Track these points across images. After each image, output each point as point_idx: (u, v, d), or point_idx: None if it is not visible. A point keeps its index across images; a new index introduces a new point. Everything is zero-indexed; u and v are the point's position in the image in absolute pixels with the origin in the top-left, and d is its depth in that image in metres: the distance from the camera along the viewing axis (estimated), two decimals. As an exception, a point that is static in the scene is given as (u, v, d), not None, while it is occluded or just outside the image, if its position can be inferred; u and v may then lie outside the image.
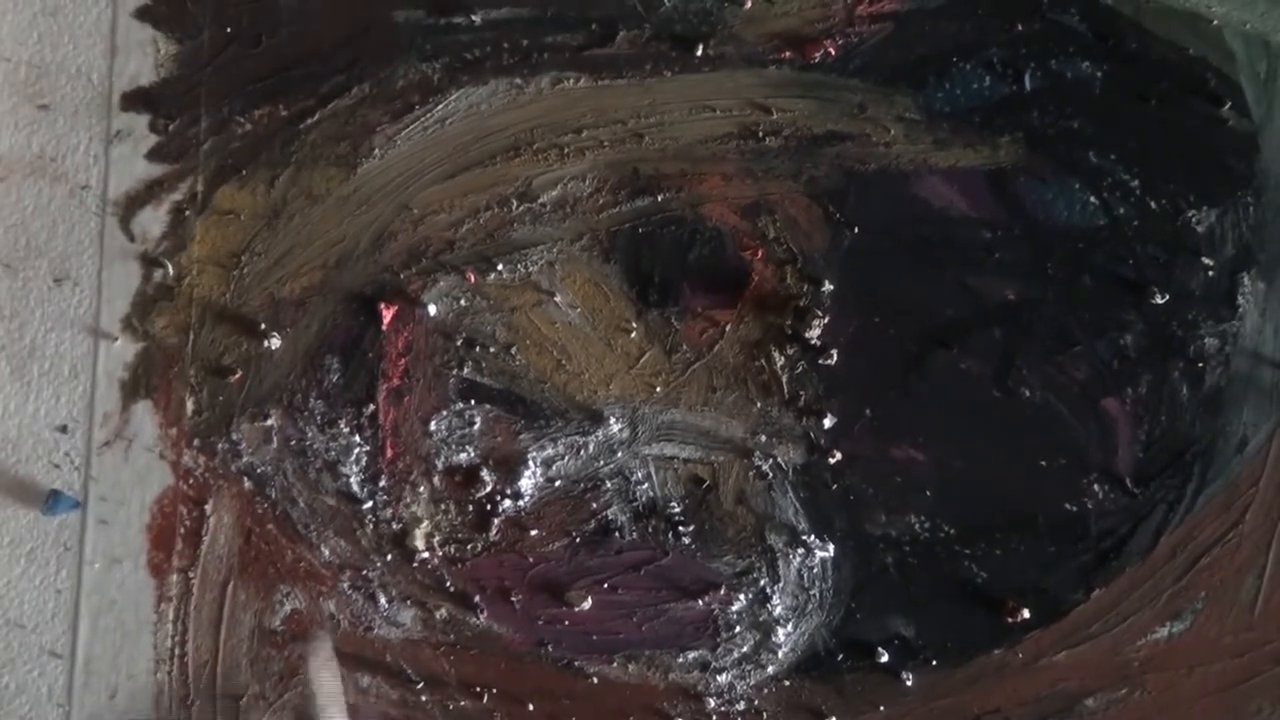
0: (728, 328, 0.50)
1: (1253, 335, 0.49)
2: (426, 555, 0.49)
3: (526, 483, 0.49)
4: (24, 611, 0.49)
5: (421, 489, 0.50)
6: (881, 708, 0.49)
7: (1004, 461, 0.49)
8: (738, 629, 0.49)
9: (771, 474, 0.49)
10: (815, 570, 0.49)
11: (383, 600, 0.49)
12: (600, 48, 0.49)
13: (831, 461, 0.49)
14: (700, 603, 0.49)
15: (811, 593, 0.49)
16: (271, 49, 0.47)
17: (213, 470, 0.49)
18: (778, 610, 0.49)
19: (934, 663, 0.49)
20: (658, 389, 0.50)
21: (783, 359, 0.50)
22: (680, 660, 0.49)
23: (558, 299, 0.49)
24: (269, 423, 0.49)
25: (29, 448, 0.48)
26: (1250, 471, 0.49)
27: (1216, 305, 0.49)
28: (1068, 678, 0.49)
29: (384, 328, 0.49)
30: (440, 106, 0.49)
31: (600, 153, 0.49)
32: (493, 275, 0.49)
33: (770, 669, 0.49)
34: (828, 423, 0.49)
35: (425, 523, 0.50)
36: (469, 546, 0.49)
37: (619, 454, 0.49)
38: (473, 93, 0.49)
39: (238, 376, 0.49)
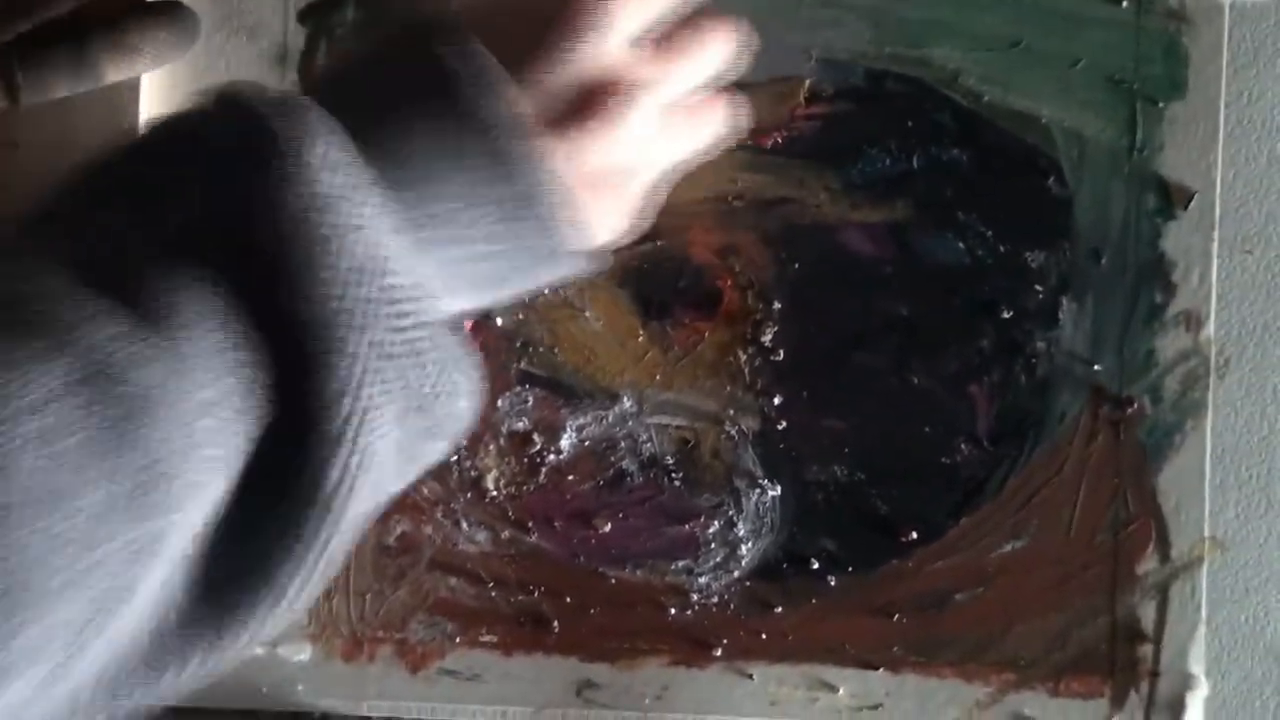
0: (706, 334, 0.62)
1: (1068, 340, 0.61)
2: (495, 494, 0.62)
3: (565, 443, 0.62)
4: None
5: (491, 447, 0.62)
6: (813, 600, 0.62)
7: (900, 429, 0.62)
8: (713, 545, 0.62)
9: (737, 437, 0.62)
10: (767, 504, 0.62)
11: (464, 525, 0.62)
12: None
13: (779, 428, 0.62)
14: (687, 527, 0.62)
15: (765, 520, 0.62)
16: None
17: None
18: (741, 532, 0.62)
19: (850, 569, 0.61)
20: (657, 377, 0.62)
21: (745, 356, 0.62)
22: (672, 567, 0.62)
23: (587, 313, 0.62)
24: None
25: None
26: (1066, 435, 0.61)
27: (1044, 319, 0.61)
28: (943, 580, 0.61)
29: (465, 334, 0.63)
30: None
31: None
32: (541, 297, 0.62)
33: (735, 573, 0.62)
34: (776, 401, 0.62)
35: (494, 470, 0.62)
36: (524, 487, 0.62)
37: (630, 423, 0.62)
38: None
39: None
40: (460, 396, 0.37)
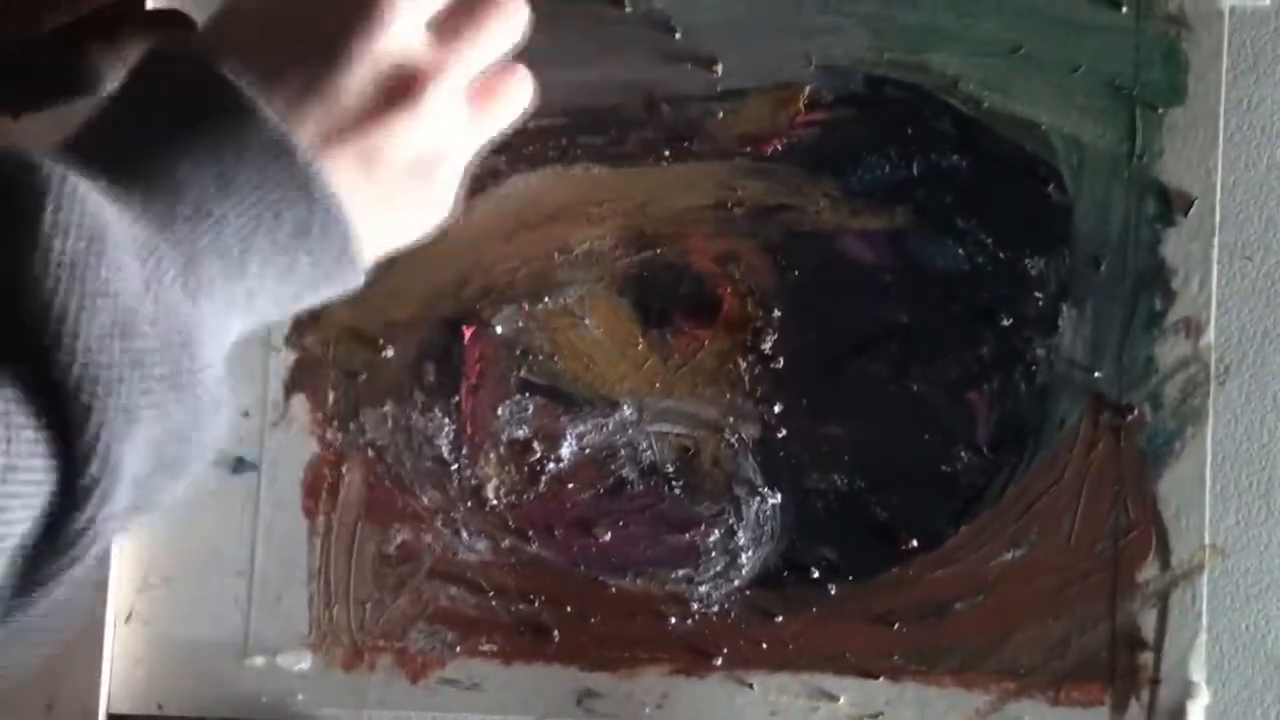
0: (706, 342, 0.62)
1: (1068, 347, 0.61)
2: (495, 502, 0.62)
3: (565, 451, 0.62)
4: (219, 542, 0.62)
5: (491, 455, 0.62)
6: (813, 609, 0.62)
7: (900, 436, 0.61)
8: (713, 553, 0.62)
9: (737, 445, 0.62)
10: (768, 512, 0.62)
11: (464, 534, 0.62)
12: (617, 145, 0.61)
13: (779, 436, 0.62)
14: (687, 535, 0.62)
15: (765, 528, 0.62)
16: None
17: (347, 443, 0.62)
18: (741, 541, 0.62)
19: (850, 577, 0.61)
20: (657, 385, 0.62)
21: (745, 364, 0.62)
22: (673, 576, 0.62)
23: (586, 321, 0.62)
24: (385, 409, 0.61)
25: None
26: (1066, 442, 0.61)
27: (1044, 326, 0.61)
28: (943, 588, 0.61)
29: (465, 343, 0.61)
30: (504, 186, 0.61)
31: (617, 219, 0.61)
32: (541, 305, 0.62)
33: (736, 582, 0.61)
34: (777, 409, 0.62)
35: (494, 479, 0.62)
36: (525, 496, 0.62)
37: (630, 431, 0.62)
38: (528, 176, 0.61)
39: (364, 377, 0.61)
40: (202, 455, 0.37)
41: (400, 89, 0.40)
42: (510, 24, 0.44)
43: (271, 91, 0.38)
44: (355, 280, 0.41)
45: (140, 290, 0.34)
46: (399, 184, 0.41)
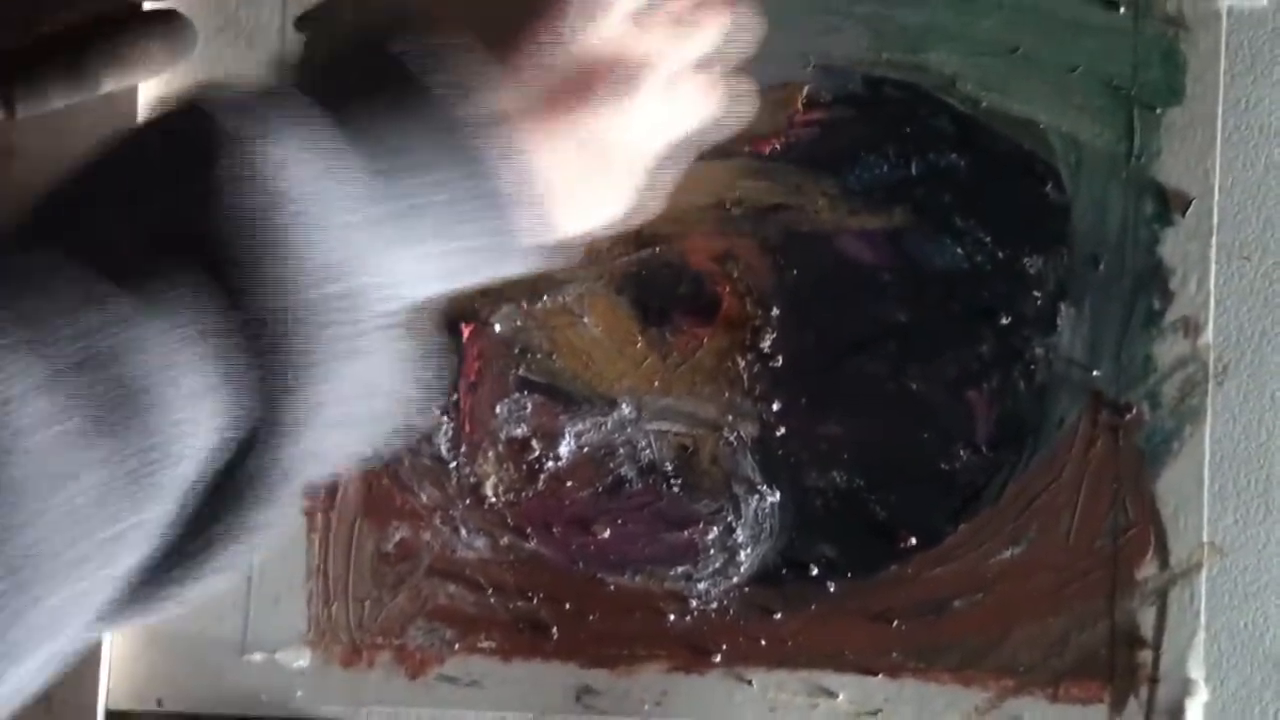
0: (705, 341, 0.62)
1: (1066, 346, 0.62)
2: (494, 500, 0.62)
3: (564, 449, 0.62)
4: None
5: (490, 453, 0.62)
6: (812, 606, 0.62)
7: (898, 434, 0.62)
8: (712, 551, 0.62)
9: (735, 443, 0.62)
10: (766, 510, 0.62)
11: (463, 531, 0.62)
12: None
13: (778, 434, 0.62)
14: (685, 533, 0.62)
15: (763, 526, 0.62)
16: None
17: None
18: (740, 538, 0.62)
19: (849, 575, 0.61)
20: (655, 383, 0.62)
21: (744, 362, 0.62)
22: (671, 573, 0.62)
23: (585, 320, 0.62)
24: None
25: None
26: (1065, 441, 0.62)
27: (1042, 325, 0.61)
28: (942, 586, 0.61)
29: (464, 341, 0.62)
30: None
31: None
32: (540, 304, 0.62)
33: (734, 579, 0.62)
34: (775, 407, 0.62)
35: (493, 477, 0.62)
36: (523, 494, 0.62)
37: (628, 429, 0.62)
38: None
39: None
40: (388, 410, 0.37)
41: (598, 77, 0.40)
42: (725, 28, 0.45)
43: (482, 62, 0.38)
44: (545, 259, 0.41)
45: (338, 240, 0.35)
46: (583, 172, 0.41)
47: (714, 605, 0.63)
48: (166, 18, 0.59)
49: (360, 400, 0.36)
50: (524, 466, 0.64)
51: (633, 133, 0.42)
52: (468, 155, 0.37)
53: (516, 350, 0.64)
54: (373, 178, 0.36)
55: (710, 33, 0.44)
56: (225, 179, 0.34)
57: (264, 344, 0.33)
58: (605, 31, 0.41)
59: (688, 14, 0.43)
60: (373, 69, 0.38)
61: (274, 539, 0.36)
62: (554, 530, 0.64)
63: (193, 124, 0.35)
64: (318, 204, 0.35)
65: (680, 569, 0.64)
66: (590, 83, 0.40)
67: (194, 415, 0.32)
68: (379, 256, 0.36)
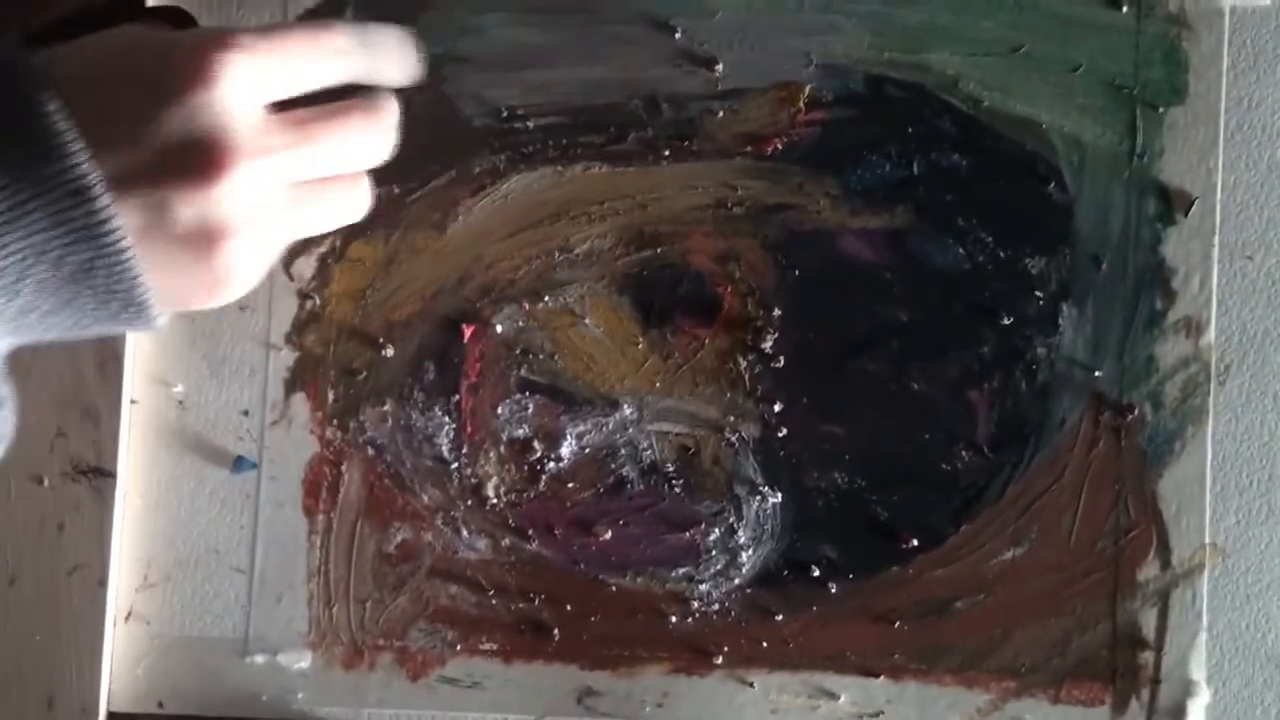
0: (707, 341, 0.62)
1: (1068, 346, 0.61)
2: (495, 501, 0.62)
3: (565, 450, 0.62)
4: (219, 541, 0.62)
5: (491, 454, 0.62)
6: (814, 607, 0.62)
7: (900, 435, 0.62)
8: (714, 552, 0.62)
9: (737, 444, 0.62)
10: (768, 511, 0.62)
11: (465, 533, 0.62)
12: (617, 144, 0.61)
13: (780, 435, 0.62)
14: (687, 534, 0.62)
15: (765, 527, 0.62)
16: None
17: (346, 442, 0.62)
18: (742, 539, 0.62)
19: (851, 576, 0.61)
20: (657, 384, 0.62)
21: (745, 363, 0.62)
22: (673, 575, 0.62)
23: (587, 321, 0.62)
24: (385, 408, 0.61)
25: (222, 426, 0.61)
26: (1066, 442, 0.61)
27: (1045, 325, 0.61)
28: (943, 587, 0.61)
29: (465, 341, 0.62)
30: (504, 186, 0.61)
31: (617, 219, 0.61)
32: (541, 304, 0.62)
33: (736, 580, 0.62)
34: (777, 408, 0.62)
35: (494, 478, 0.62)
36: (525, 495, 0.62)
37: (630, 430, 0.62)
38: (528, 176, 0.61)
39: (364, 376, 0.61)
40: None
41: (204, 155, 0.40)
42: (362, 141, 0.44)
43: (86, 122, 0.37)
44: (149, 324, 0.41)
45: None
46: (175, 247, 0.40)
47: (715, 607, 0.63)
48: (169, 13, 0.59)
49: None
50: (525, 467, 0.64)
51: (232, 218, 0.41)
52: (64, 226, 0.37)
53: (518, 351, 0.64)
54: None
55: (349, 146, 0.43)
56: None
57: None
58: (221, 115, 0.40)
59: (325, 120, 0.42)
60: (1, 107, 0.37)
61: None
62: (556, 531, 0.63)
63: None
64: None
65: (682, 570, 0.64)
66: (191, 166, 0.39)
67: None
68: None
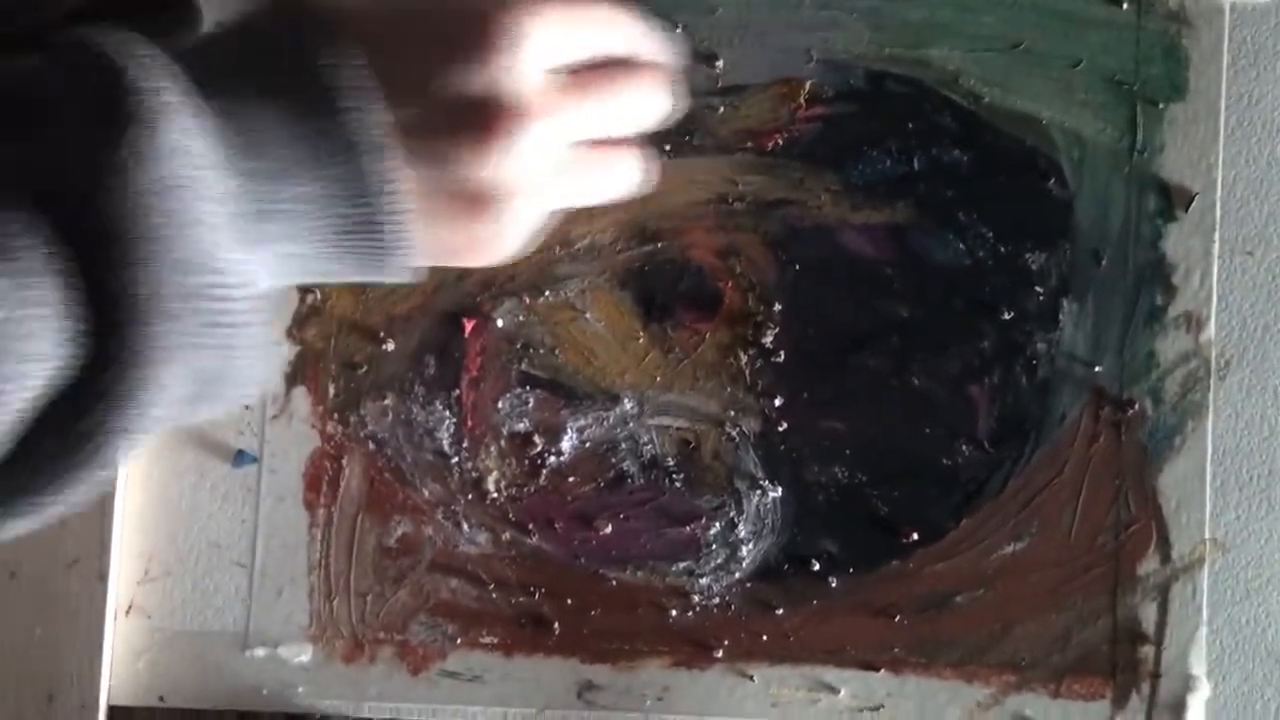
0: (707, 336, 0.63)
1: (1069, 341, 0.62)
2: (496, 495, 0.62)
3: (566, 444, 0.62)
4: (220, 534, 0.63)
5: (492, 448, 0.63)
6: (814, 602, 0.62)
7: (900, 430, 0.62)
8: (714, 546, 0.62)
9: (738, 438, 0.62)
10: (768, 506, 0.62)
11: (465, 527, 0.62)
12: None
13: (780, 430, 0.62)
14: (688, 529, 0.62)
15: (766, 521, 0.62)
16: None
17: (347, 436, 0.62)
18: (742, 534, 0.62)
19: (851, 570, 0.62)
20: (658, 379, 0.62)
21: (746, 358, 0.62)
22: (673, 569, 0.62)
23: (588, 315, 0.62)
24: (386, 402, 0.62)
25: (223, 420, 0.61)
26: (1068, 437, 0.62)
27: (1045, 320, 0.62)
28: (944, 581, 0.62)
29: (466, 335, 0.62)
30: None
31: (617, 214, 0.62)
32: (542, 299, 0.62)
33: (737, 574, 0.62)
34: (778, 402, 0.62)
35: (495, 472, 0.63)
36: (525, 489, 0.62)
37: (630, 424, 0.62)
38: None
39: (364, 370, 0.62)
40: (248, 384, 0.38)
41: (495, 113, 0.40)
42: (643, 102, 0.44)
43: (379, 74, 0.38)
44: (402, 277, 0.41)
45: (208, 232, 0.35)
46: (455, 206, 0.40)
47: (716, 601, 0.64)
48: (176, 4, 0.59)
49: (195, 386, 0.36)
50: (526, 462, 0.64)
51: (513, 181, 0.41)
52: (353, 178, 0.37)
53: (519, 345, 0.64)
54: (250, 178, 0.36)
55: (630, 106, 0.44)
56: (127, 155, 0.34)
57: (106, 321, 0.34)
58: (510, 76, 0.40)
59: (605, 81, 0.43)
60: (276, 55, 0.38)
61: (81, 499, 0.37)
62: (556, 525, 0.64)
63: (99, 79, 0.35)
64: (194, 195, 0.35)
65: (682, 564, 0.64)
66: (481, 123, 0.40)
67: (25, 370, 0.33)
68: (239, 254, 0.36)
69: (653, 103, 0.44)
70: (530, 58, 0.40)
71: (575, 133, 0.42)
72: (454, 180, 0.40)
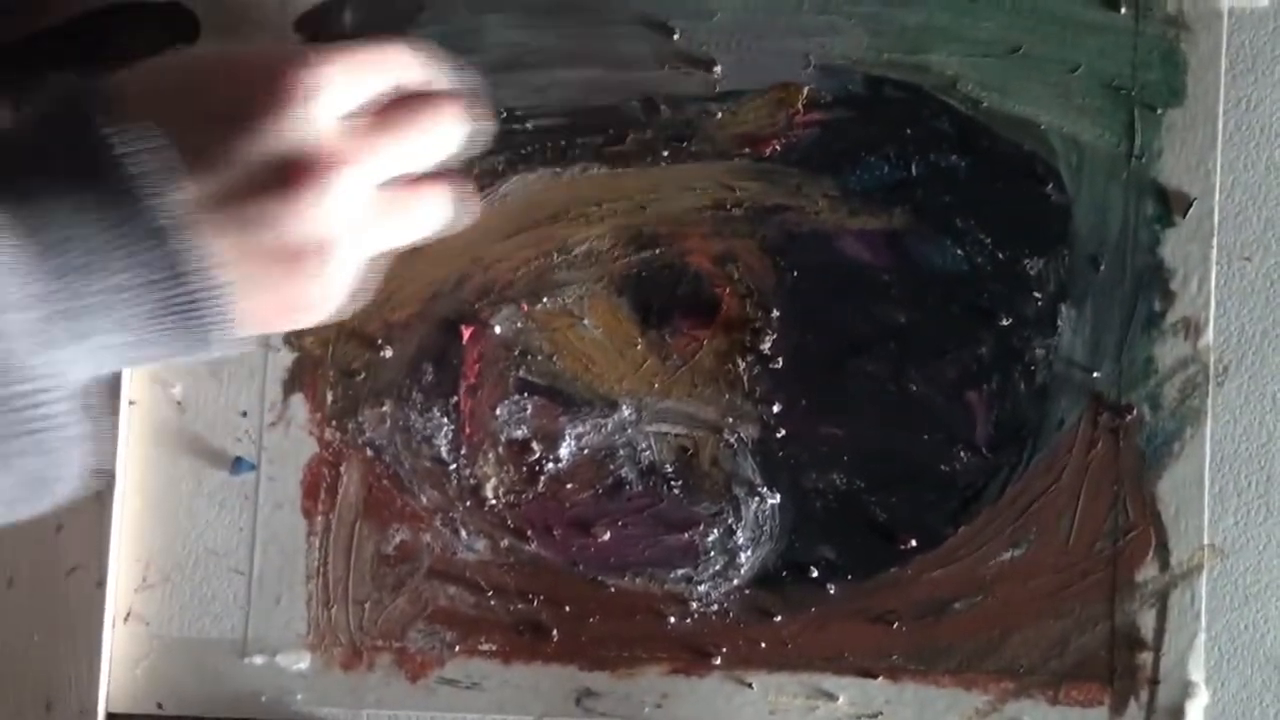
0: (705, 342, 0.62)
1: (1067, 347, 0.62)
2: (494, 502, 0.62)
3: (564, 451, 0.62)
4: (218, 541, 0.62)
5: (490, 455, 0.63)
6: (812, 609, 0.62)
7: (899, 436, 0.62)
8: (712, 553, 0.62)
9: (736, 445, 0.62)
10: (767, 512, 0.62)
11: (463, 534, 0.62)
12: (615, 145, 0.62)
13: (778, 436, 0.62)
14: (686, 535, 0.62)
15: (764, 528, 0.62)
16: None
17: (345, 442, 0.62)
18: (740, 540, 0.62)
19: (849, 577, 0.62)
20: (656, 385, 0.62)
21: (744, 364, 0.62)
22: (671, 575, 0.62)
23: (585, 322, 0.62)
24: (384, 409, 0.62)
25: (221, 427, 0.61)
26: (1066, 443, 0.62)
27: (1043, 326, 0.62)
28: (941, 588, 0.61)
29: (464, 342, 0.62)
30: (503, 187, 0.61)
31: (615, 220, 0.62)
32: (540, 305, 0.62)
33: (735, 581, 0.62)
34: (775, 409, 0.62)
35: (493, 479, 0.63)
36: (523, 496, 0.62)
37: (629, 430, 0.62)
38: (526, 177, 0.61)
39: (362, 377, 0.62)
40: (78, 476, 0.38)
41: (297, 171, 0.39)
42: (444, 132, 0.43)
43: (175, 151, 0.37)
44: (230, 350, 0.40)
45: (6, 342, 0.34)
46: (274, 267, 0.40)
47: (714, 608, 0.64)
48: (169, 10, 0.59)
49: (20, 490, 0.36)
50: (524, 468, 0.64)
51: (328, 233, 0.40)
52: (159, 258, 0.36)
53: (517, 352, 0.64)
54: (56, 276, 0.35)
55: (431, 140, 0.43)
56: None
57: None
58: (308, 129, 0.39)
59: (402, 117, 0.42)
60: (71, 141, 0.37)
61: None
62: (554, 532, 0.64)
63: None
64: (13, 293, 0.34)
65: (680, 571, 0.64)
66: (286, 180, 0.39)
67: None
68: (47, 354, 0.35)
69: (451, 132, 0.43)
70: (323, 107, 0.40)
71: (380, 173, 0.42)
72: (269, 242, 0.39)
